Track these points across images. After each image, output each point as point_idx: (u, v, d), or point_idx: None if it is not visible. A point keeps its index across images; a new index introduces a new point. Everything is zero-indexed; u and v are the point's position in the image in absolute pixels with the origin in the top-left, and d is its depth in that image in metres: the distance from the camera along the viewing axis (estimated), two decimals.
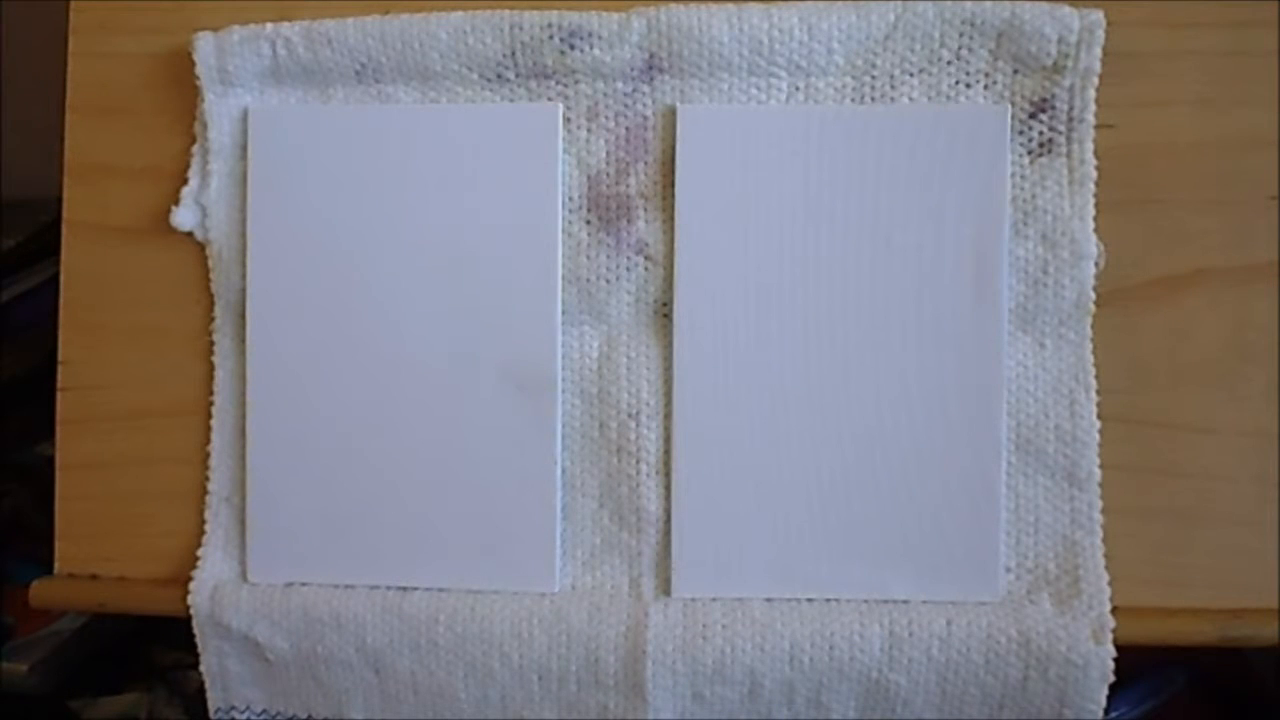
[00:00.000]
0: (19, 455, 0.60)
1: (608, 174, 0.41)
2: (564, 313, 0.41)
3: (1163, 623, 0.39)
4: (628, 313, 0.41)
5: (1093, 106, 0.39)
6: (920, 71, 0.40)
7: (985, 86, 0.40)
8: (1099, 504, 0.40)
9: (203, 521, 0.42)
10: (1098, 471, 0.40)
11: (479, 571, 0.41)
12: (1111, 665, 0.38)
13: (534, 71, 0.41)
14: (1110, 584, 0.39)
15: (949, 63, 0.40)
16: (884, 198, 0.40)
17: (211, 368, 0.43)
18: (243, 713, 0.43)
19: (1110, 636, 0.38)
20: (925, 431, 0.40)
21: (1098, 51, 0.39)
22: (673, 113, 0.40)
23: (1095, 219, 0.40)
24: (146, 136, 0.43)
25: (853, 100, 0.40)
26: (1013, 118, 0.40)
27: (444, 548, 0.41)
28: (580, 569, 0.41)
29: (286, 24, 0.41)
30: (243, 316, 0.42)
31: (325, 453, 0.42)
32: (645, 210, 0.41)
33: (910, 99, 0.40)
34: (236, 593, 0.41)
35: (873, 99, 0.40)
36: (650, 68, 0.40)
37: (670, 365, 0.41)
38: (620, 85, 0.41)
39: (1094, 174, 0.40)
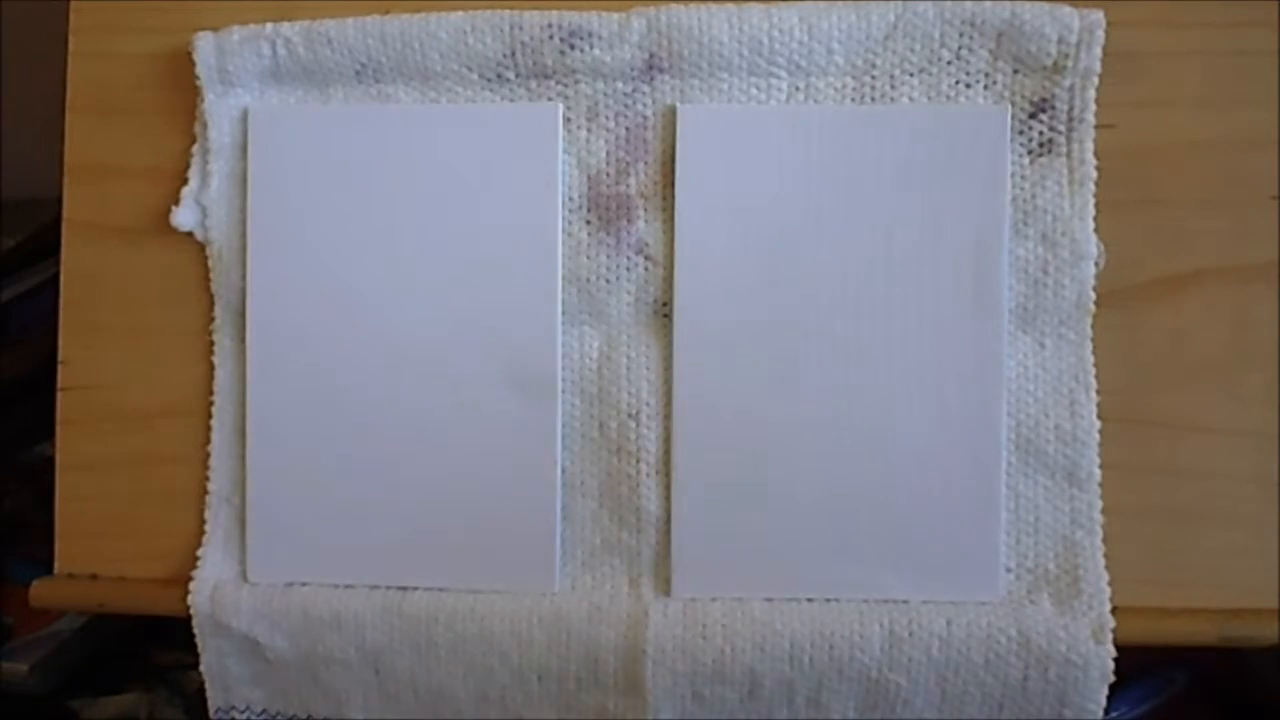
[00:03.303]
0: (19, 455, 0.60)
1: (608, 174, 0.41)
2: (564, 313, 0.41)
3: (1163, 623, 0.39)
4: (628, 313, 0.41)
5: (1093, 106, 0.39)
6: (920, 71, 0.40)
7: (985, 86, 0.40)
8: (1099, 504, 0.40)
9: (203, 521, 0.42)
10: (1098, 471, 0.40)
11: (479, 571, 0.41)
12: (1111, 665, 0.38)
13: (534, 71, 0.41)
14: (1110, 584, 0.39)
15: (949, 63, 0.40)
16: (884, 198, 0.40)
17: (211, 368, 0.43)
18: (243, 712, 0.43)
19: (1110, 636, 0.38)
20: (925, 431, 0.40)
21: (1098, 51, 0.39)
22: (673, 113, 0.40)
23: (1095, 219, 0.40)
24: (147, 136, 0.43)
25: (853, 100, 0.40)
26: (1013, 118, 0.40)
27: (444, 548, 0.41)
28: (580, 569, 0.41)
29: (286, 24, 0.41)
30: (243, 316, 0.42)
31: (325, 453, 0.42)
32: (645, 210, 0.41)
33: (910, 99, 0.40)
34: (236, 593, 0.41)
35: (873, 99, 0.40)
36: (650, 68, 0.40)
37: (670, 365, 0.41)
38: (620, 85, 0.41)
39: (1094, 174, 0.40)
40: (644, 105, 0.41)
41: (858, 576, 0.40)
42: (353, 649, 0.41)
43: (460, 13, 0.41)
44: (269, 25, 0.41)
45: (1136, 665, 0.45)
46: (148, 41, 0.43)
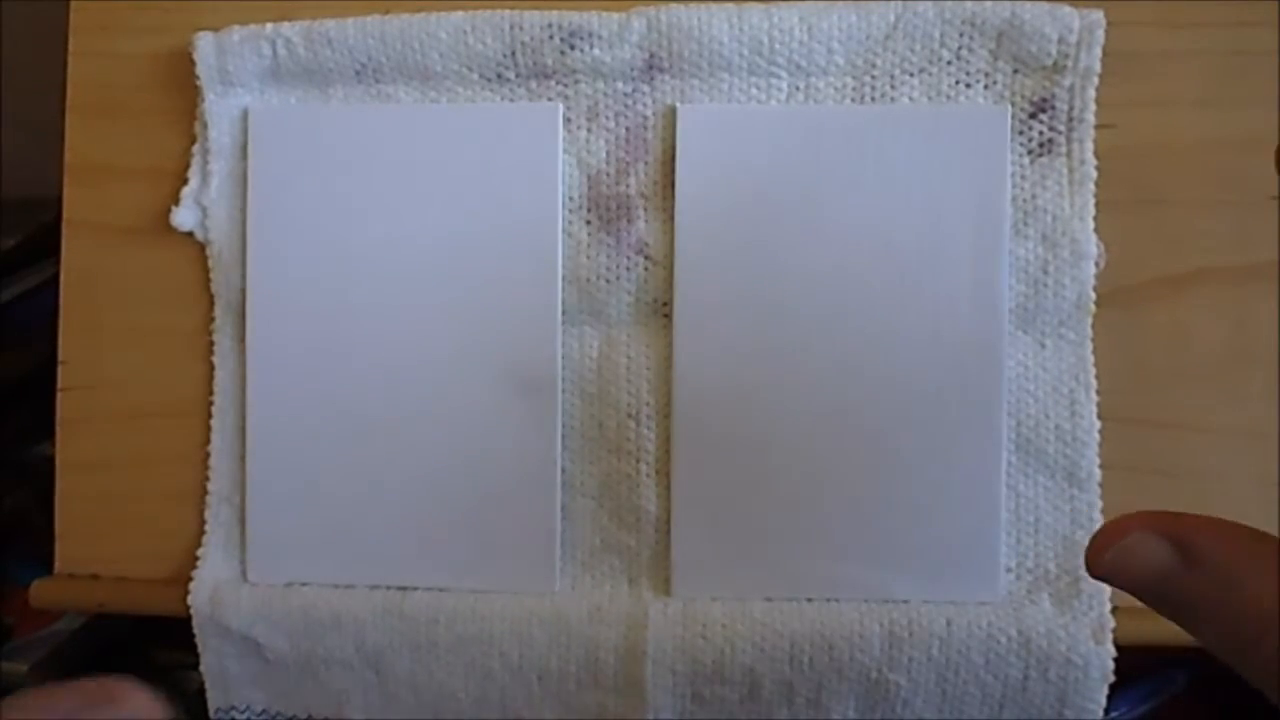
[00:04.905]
0: (19, 455, 0.60)
1: (608, 174, 0.41)
2: (564, 313, 0.41)
3: (1163, 623, 0.38)
4: (627, 313, 0.41)
5: (1093, 106, 0.39)
6: (920, 71, 0.40)
7: (985, 86, 0.40)
8: (1099, 504, 0.40)
9: (203, 521, 0.42)
10: (1098, 471, 0.40)
11: (479, 571, 0.41)
12: (1112, 665, 0.38)
13: (534, 71, 0.41)
14: None
15: (949, 63, 0.40)
16: (884, 198, 0.40)
17: (211, 368, 0.43)
18: (243, 713, 0.43)
19: (1110, 636, 0.38)
20: (925, 431, 0.40)
21: (1098, 51, 0.39)
22: (673, 113, 0.40)
23: (1095, 219, 0.40)
24: (147, 136, 0.43)
25: (853, 100, 0.40)
26: (1013, 118, 0.40)
27: (444, 548, 0.41)
28: (580, 569, 0.41)
29: (287, 24, 0.41)
30: (243, 316, 0.42)
31: (325, 453, 0.42)
32: (645, 210, 0.41)
33: (910, 99, 0.40)
34: (236, 593, 0.41)
35: (873, 99, 0.40)
36: (650, 68, 0.40)
37: (670, 365, 0.41)
38: (620, 85, 0.41)
39: (1094, 174, 0.39)
40: (644, 105, 0.41)
41: (858, 576, 0.40)
42: (353, 649, 0.41)
43: (460, 13, 0.41)
44: (269, 25, 0.41)
45: (1136, 665, 0.45)
46: (148, 41, 0.43)
